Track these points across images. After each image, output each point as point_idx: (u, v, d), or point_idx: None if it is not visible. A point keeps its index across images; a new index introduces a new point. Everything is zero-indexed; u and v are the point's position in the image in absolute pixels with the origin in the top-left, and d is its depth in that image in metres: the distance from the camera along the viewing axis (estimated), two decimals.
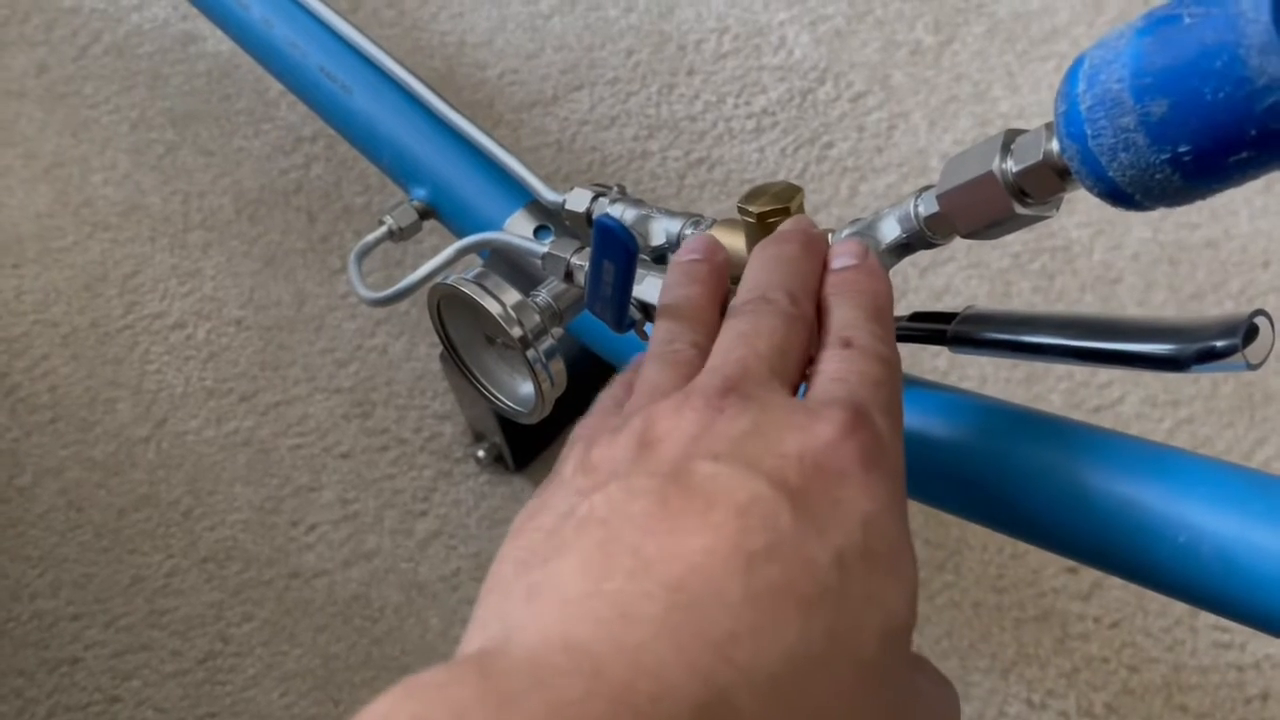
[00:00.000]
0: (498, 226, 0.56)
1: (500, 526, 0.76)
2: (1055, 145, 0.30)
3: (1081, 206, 0.86)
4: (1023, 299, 0.83)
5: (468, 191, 0.58)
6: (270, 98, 0.93)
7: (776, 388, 0.28)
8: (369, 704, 0.20)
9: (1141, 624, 0.71)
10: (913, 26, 0.96)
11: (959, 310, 0.37)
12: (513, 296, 0.43)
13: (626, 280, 0.35)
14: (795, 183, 0.39)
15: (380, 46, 0.60)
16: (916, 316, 0.38)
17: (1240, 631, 0.70)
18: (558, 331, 0.44)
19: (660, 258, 0.44)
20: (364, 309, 0.84)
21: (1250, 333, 0.29)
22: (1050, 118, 0.30)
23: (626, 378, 0.34)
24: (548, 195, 0.51)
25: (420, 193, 0.60)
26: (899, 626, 0.25)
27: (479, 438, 0.77)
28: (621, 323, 0.37)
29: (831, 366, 0.29)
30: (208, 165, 0.91)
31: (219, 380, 0.81)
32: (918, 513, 0.74)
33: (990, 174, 0.32)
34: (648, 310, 0.40)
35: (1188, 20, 0.25)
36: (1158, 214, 0.86)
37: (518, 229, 0.56)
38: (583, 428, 0.31)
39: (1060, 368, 0.79)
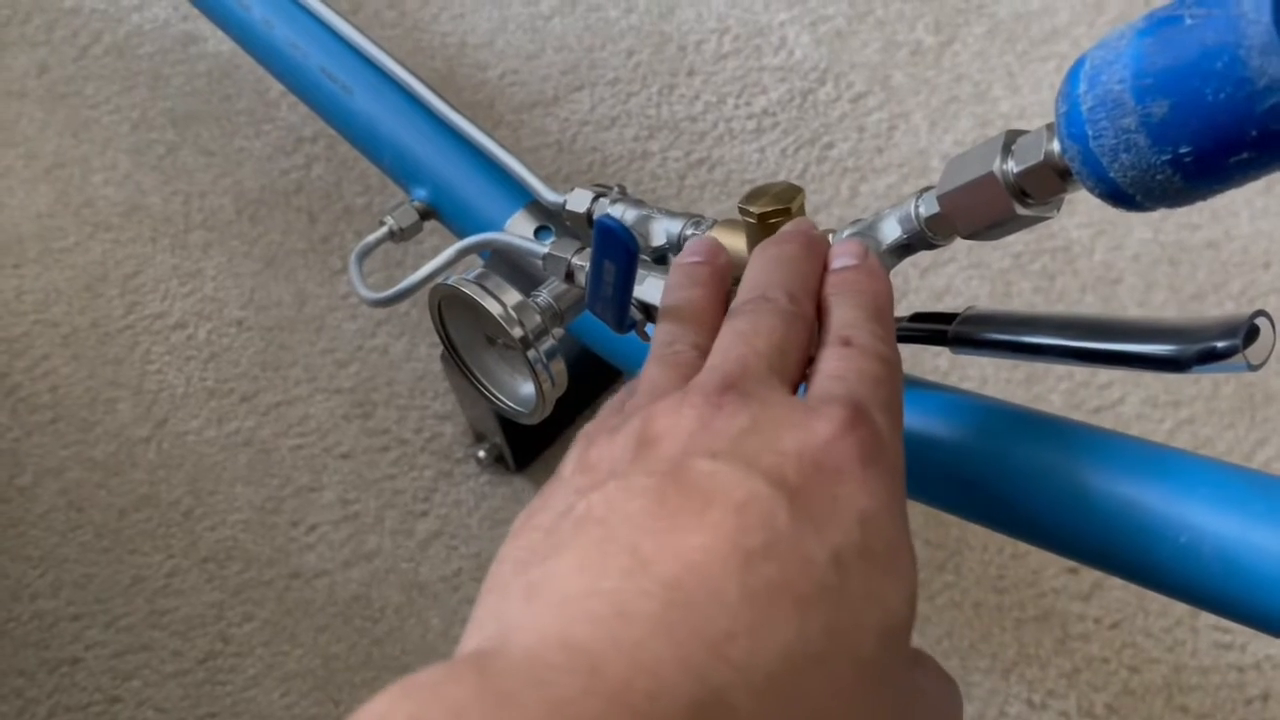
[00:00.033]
0: (498, 227, 0.56)
1: (501, 527, 0.76)
2: (1056, 146, 0.30)
3: (1082, 207, 0.86)
4: (1023, 299, 0.83)
5: (468, 192, 0.58)
6: (271, 98, 0.93)
7: (776, 385, 0.28)
8: (366, 703, 0.20)
9: (1142, 624, 0.71)
10: (913, 27, 0.96)
11: (960, 311, 0.37)
12: (513, 297, 0.43)
13: (627, 281, 0.35)
14: (796, 183, 0.39)
15: (381, 47, 0.60)
16: (917, 317, 0.38)
17: (1241, 632, 0.70)
18: (558, 332, 0.44)
19: (661, 258, 0.44)
20: (365, 309, 0.84)
21: (1251, 333, 0.29)
22: (1051, 118, 0.30)
23: (634, 383, 0.34)
24: (548, 196, 0.51)
25: (421, 193, 0.60)
26: (898, 624, 0.24)
27: (480, 438, 0.77)
28: (622, 323, 0.37)
29: (831, 365, 0.29)
30: (208, 165, 0.91)
31: (220, 380, 0.81)
32: (918, 513, 0.74)
33: (991, 175, 0.32)
34: (648, 311, 0.40)
35: (1189, 21, 0.25)
36: (1158, 215, 0.86)
37: (518, 229, 0.56)
38: (586, 430, 0.31)
39: (1061, 368, 0.79)
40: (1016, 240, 0.84)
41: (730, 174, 0.89)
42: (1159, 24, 0.26)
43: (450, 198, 0.59)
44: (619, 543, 0.23)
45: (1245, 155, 0.25)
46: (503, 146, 0.55)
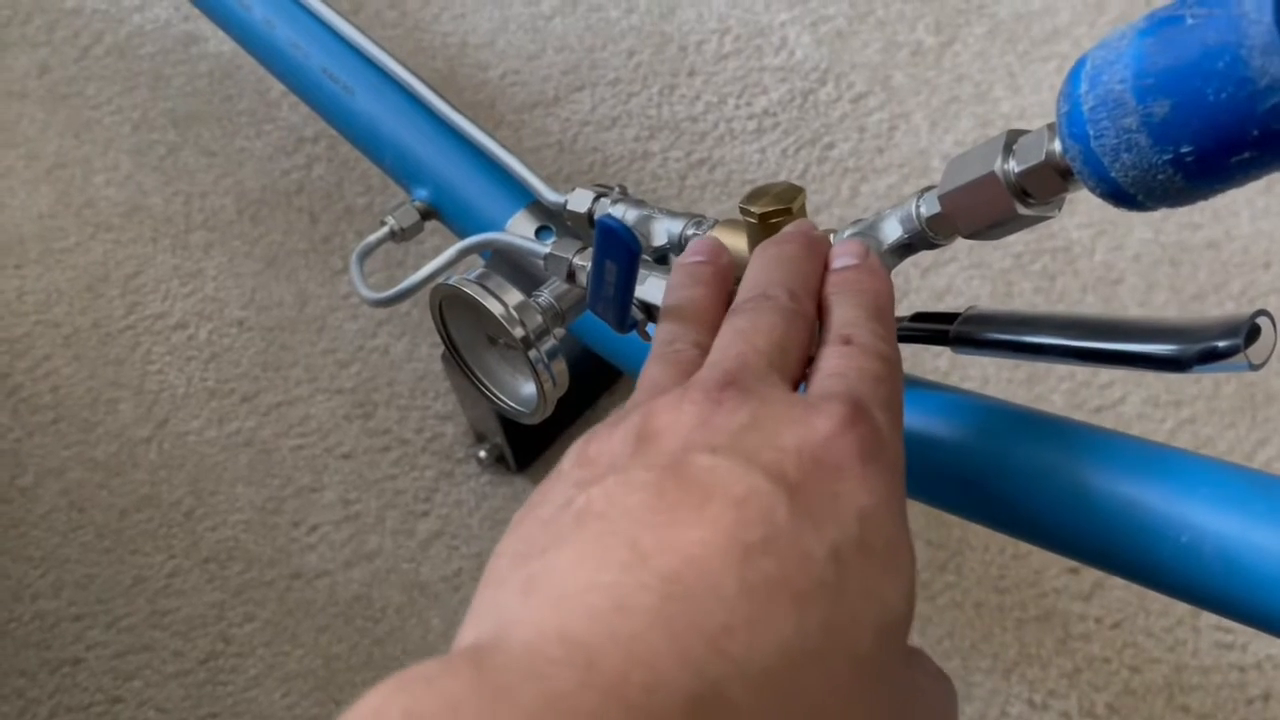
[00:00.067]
0: (499, 227, 0.56)
1: (502, 527, 0.76)
2: (1057, 146, 0.30)
3: (1083, 207, 0.86)
4: (1024, 299, 0.83)
5: (469, 192, 0.58)
6: (272, 98, 0.93)
7: (776, 382, 0.28)
8: (361, 697, 0.20)
9: (1143, 624, 0.71)
10: (914, 27, 0.96)
11: (961, 310, 0.37)
12: (515, 297, 0.43)
13: (629, 280, 0.35)
14: (797, 183, 0.39)
15: (382, 47, 0.60)
16: (918, 317, 0.38)
17: (1242, 632, 0.70)
18: (560, 332, 0.44)
19: (662, 258, 0.44)
20: (366, 309, 0.84)
21: (1252, 333, 0.29)
22: (1052, 118, 0.30)
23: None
24: (549, 196, 0.51)
25: (422, 193, 0.60)
26: (896, 621, 0.24)
27: (481, 438, 0.77)
28: (624, 323, 0.37)
29: (831, 363, 0.29)
30: (210, 166, 0.91)
31: (221, 381, 0.81)
32: (919, 513, 0.74)
33: (992, 174, 0.32)
34: (650, 311, 0.40)
35: (1190, 21, 0.25)
36: (1159, 215, 0.86)
37: (519, 230, 0.56)
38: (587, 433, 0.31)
39: (1062, 368, 0.79)
40: (1017, 240, 0.84)
41: (731, 174, 0.89)
42: (1160, 24, 0.26)
43: (451, 198, 0.59)
44: (618, 537, 0.23)
45: (1247, 155, 0.25)
46: (504, 147, 0.55)
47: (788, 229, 0.36)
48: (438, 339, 0.48)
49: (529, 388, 0.45)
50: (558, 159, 0.90)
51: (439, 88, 0.59)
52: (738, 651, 0.21)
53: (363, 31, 0.61)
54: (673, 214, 0.44)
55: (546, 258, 0.43)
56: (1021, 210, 0.32)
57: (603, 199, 0.47)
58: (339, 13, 0.62)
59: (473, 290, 0.43)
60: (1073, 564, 0.72)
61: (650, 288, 0.40)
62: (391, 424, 0.79)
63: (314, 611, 0.73)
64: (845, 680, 0.23)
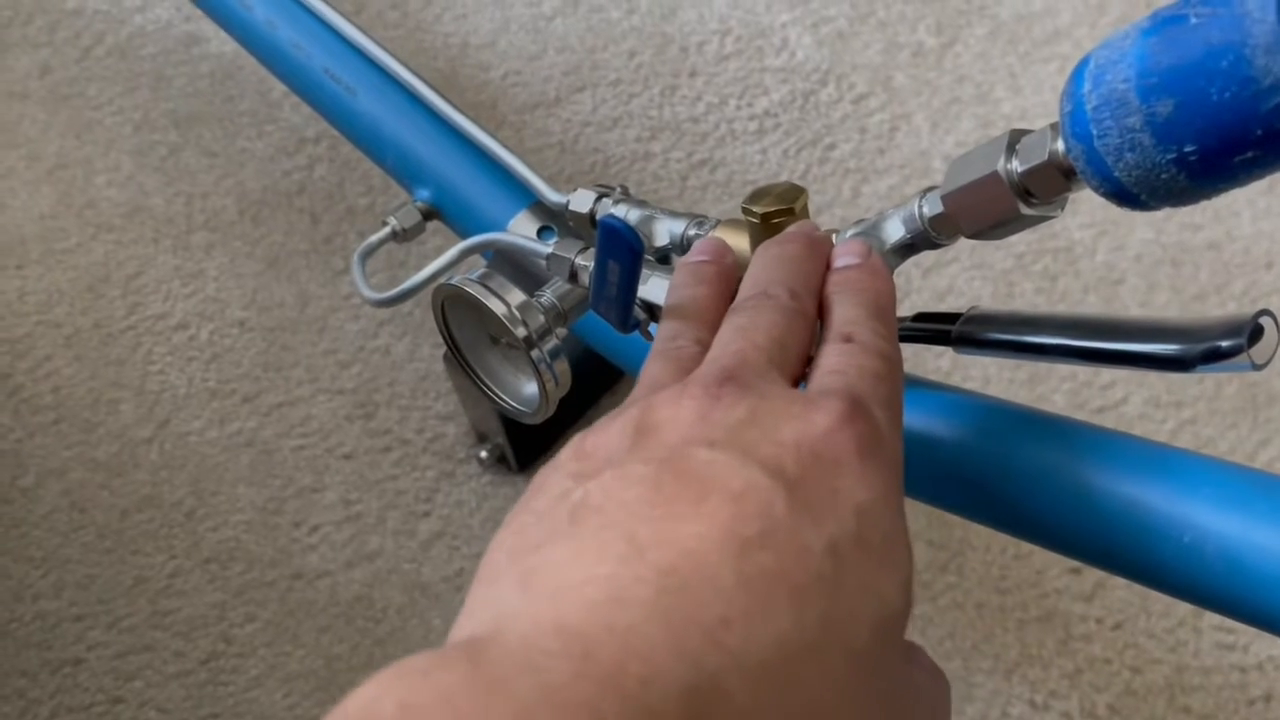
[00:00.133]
0: (501, 227, 0.56)
1: None
2: (1060, 145, 0.30)
3: (1085, 208, 0.86)
4: (1026, 300, 0.83)
5: (471, 192, 0.58)
6: (273, 99, 0.93)
7: (775, 379, 0.28)
8: (357, 688, 0.20)
9: (1144, 625, 0.71)
10: (915, 28, 0.96)
11: (963, 311, 0.37)
12: (517, 297, 0.43)
13: (631, 280, 0.35)
14: (798, 184, 0.39)
15: (384, 48, 0.60)
16: (920, 317, 0.38)
17: (1244, 632, 0.70)
18: (562, 332, 0.44)
19: (664, 258, 0.44)
20: (367, 310, 0.84)
21: (1255, 333, 0.29)
22: (1053, 119, 0.30)
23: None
24: (551, 196, 0.51)
25: (424, 194, 0.60)
26: (892, 616, 0.25)
27: (482, 438, 0.77)
28: (626, 323, 0.37)
29: (831, 360, 0.29)
30: (211, 166, 0.91)
31: (222, 381, 0.82)
32: (921, 513, 0.74)
33: (995, 174, 0.32)
34: (652, 310, 0.40)
35: (1194, 20, 0.25)
36: (1161, 215, 0.86)
37: (521, 230, 0.56)
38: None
39: (1063, 368, 0.79)
40: (1019, 241, 0.84)
41: (732, 175, 0.89)
42: (1164, 23, 0.26)
43: (453, 198, 0.59)
44: (615, 530, 0.23)
45: (1250, 154, 0.25)
46: (505, 147, 0.55)
47: (789, 229, 0.36)
48: (439, 339, 0.48)
49: (531, 388, 0.45)
50: (559, 159, 0.90)
51: (441, 88, 0.59)
52: (734, 644, 0.21)
53: (365, 32, 0.61)
54: (675, 214, 0.44)
55: (549, 258, 0.44)
56: (1024, 210, 0.32)
57: (604, 199, 0.47)
58: (341, 13, 0.62)
59: (475, 290, 0.43)
60: (1074, 564, 0.72)
61: (652, 287, 0.40)
62: (393, 424, 0.79)
63: (315, 612, 0.73)
64: (842, 674, 0.23)
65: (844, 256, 0.34)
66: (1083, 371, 0.79)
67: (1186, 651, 0.70)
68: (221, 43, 0.95)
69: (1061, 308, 0.83)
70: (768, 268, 0.34)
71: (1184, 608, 0.71)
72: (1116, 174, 0.28)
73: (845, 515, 0.25)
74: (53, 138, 0.92)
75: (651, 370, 0.31)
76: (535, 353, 0.43)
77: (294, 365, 0.82)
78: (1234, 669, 0.70)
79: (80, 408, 0.81)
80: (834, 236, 0.38)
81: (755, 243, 0.38)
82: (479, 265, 0.45)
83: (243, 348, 0.83)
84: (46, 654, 0.73)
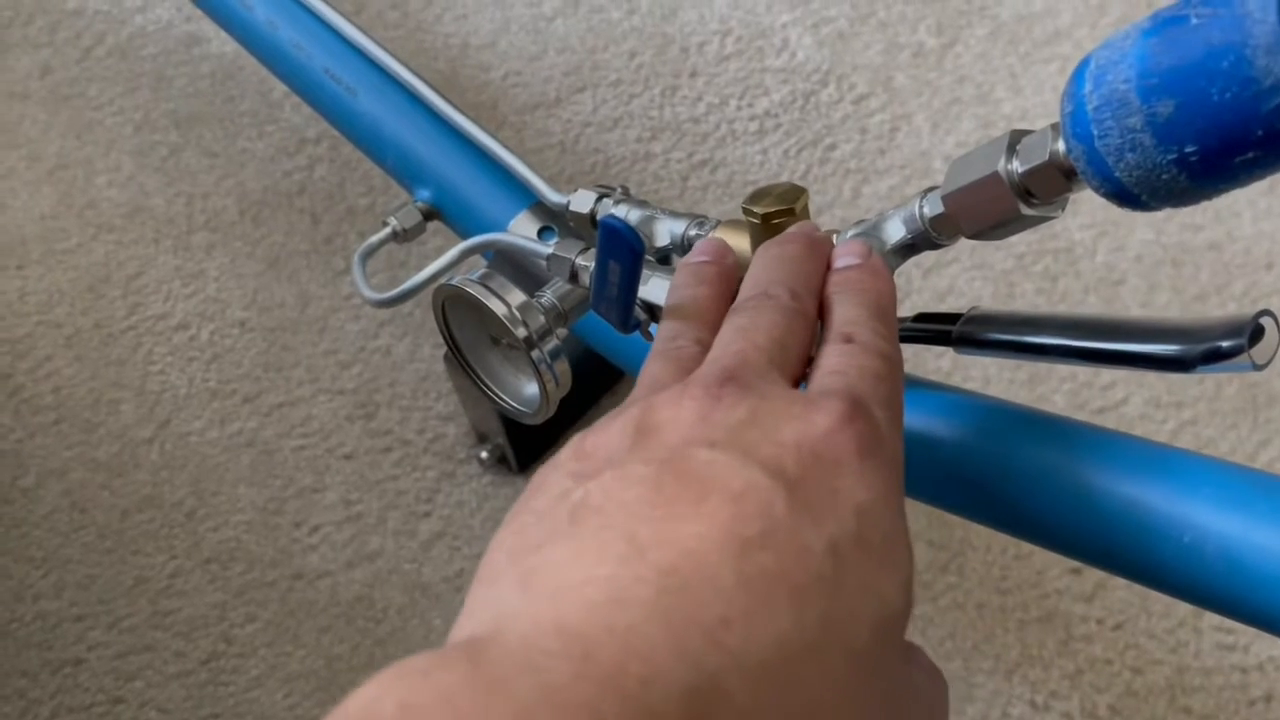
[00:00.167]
0: (502, 228, 0.57)
1: None
2: (1061, 146, 0.30)
3: (1085, 208, 0.86)
4: (1026, 300, 0.83)
5: (472, 193, 0.58)
6: (274, 99, 0.93)
7: (775, 379, 0.28)
8: (357, 688, 0.20)
9: (1145, 625, 0.71)
10: (915, 29, 0.96)
11: (963, 311, 0.37)
12: (517, 297, 0.43)
13: (632, 281, 0.35)
14: (799, 184, 0.39)
15: (385, 48, 0.60)
16: (921, 317, 0.38)
17: (1244, 633, 0.70)
18: (562, 332, 0.44)
19: (665, 259, 0.44)
20: (367, 310, 0.84)
21: (1256, 333, 0.29)
22: (1054, 119, 0.30)
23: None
24: (552, 197, 0.51)
25: (424, 194, 0.60)
26: (893, 616, 0.25)
27: (482, 439, 0.77)
28: (627, 323, 0.37)
29: (831, 361, 0.29)
30: (211, 167, 0.91)
31: (222, 381, 0.82)
32: (921, 514, 0.74)
33: (996, 174, 0.32)
34: (653, 311, 0.40)
35: (1195, 21, 0.25)
36: (1161, 216, 0.86)
37: (522, 230, 0.56)
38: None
39: (1063, 369, 0.79)
40: (1019, 241, 0.84)
41: (733, 175, 0.89)
42: (1164, 24, 0.26)
43: (454, 198, 0.59)
44: (615, 530, 0.23)
45: (1251, 154, 0.25)
46: (506, 147, 0.55)
47: (790, 230, 0.36)
48: (440, 339, 0.48)
49: (531, 388, 0.45)
50: (560, 160, 0.90)
51: (441, 89, 0.59)
52: (735, 644, 0.21)
53: (365, 32, 0.61)
54: (675, 214, 0.44)
55: (549, 258, 0.44)
56: (1025, 210, 0.32)
57: (605, 199, 0.47)
58: (341, 13, 0.62)
59: (476, 290, 0.43)
60: (1075, 565, 0.72)
61: (653, 288, 0.40)
62: (393, 425, 0.79)
63: (316, 612, 0.74)
64: (842, 674, 0.23)
65: (844, 257, 0.34)
66: (1083, 372, 0.79)
67: (1187, 652, 0.70)
68: (222, 43, 0.95)
69: (1062, 308, 0.83)
70: (768, 268, 0.34)
71: (1184, 608, 0.71)
72: (1117, 174, 0.28)
73: (845, 515, 0.25)
74: (53, 138, 0.92)
75: (652, 370, 0.31)
76: (536, 353, 0.43)
77: (295, 365, 0.82)
78: (1235, 669, 0.70)
79: (81, 408, 0.81)
80: (834, 237, 0.38)
81: (756, 243, 0.38)
82: (479, 266, 0.45)
83: (243, 348, 0.83)
84: (47, 654, 0.73)
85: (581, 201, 0.47)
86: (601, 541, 0.23)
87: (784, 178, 0.90)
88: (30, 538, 0.76)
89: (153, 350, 0.83)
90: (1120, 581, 0.71)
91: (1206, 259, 0.84)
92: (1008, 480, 0.36)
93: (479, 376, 0.47)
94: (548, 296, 0.44)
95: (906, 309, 0.81)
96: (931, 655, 0.29)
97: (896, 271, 0.36)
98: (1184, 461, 0.34)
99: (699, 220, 0.43)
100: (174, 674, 0.72)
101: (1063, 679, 0.70)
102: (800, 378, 0.30)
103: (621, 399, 0.79)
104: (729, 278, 0.35)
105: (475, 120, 0.57)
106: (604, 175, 0.90)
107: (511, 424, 0.72)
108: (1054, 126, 0.30)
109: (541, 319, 0.43)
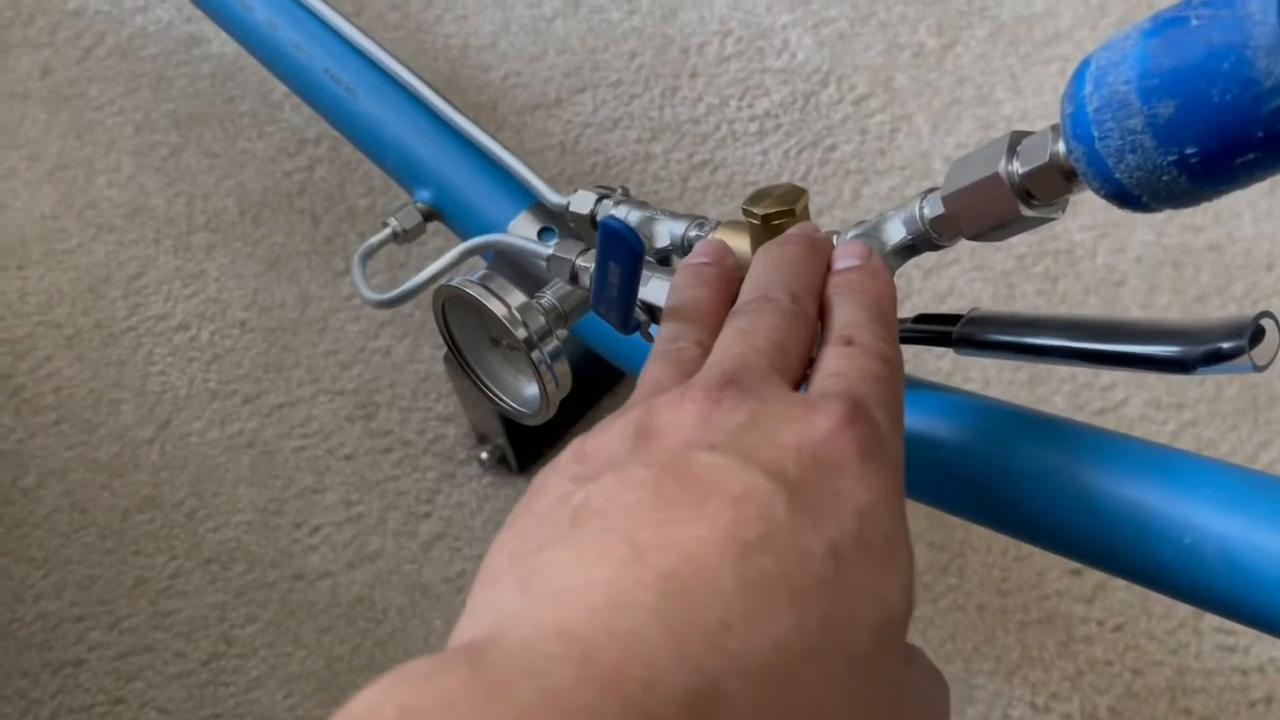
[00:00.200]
0: (502, 229, 0.56)
1: None
2: (1061, 147, 0.30)
3: (1085, 209, 0.86)
4: (1026, 301, 0.83)
5: (472, 194, 0.58)
6: (274, 100, 0.93)
7: (776, 382, 0.28)
8: (358, 693, 0.20)
9: (1145, 627, 0.71)
10: (916, 29, 0.96)
11: (963, 312, 0.37)
12: (517, 298, 0.43)
13: (632, 282, 0.35)
14: (799, 185, 0.39)
15: (385, 49, 0.60)
16: (921, 318, 0.38)
17: (1245, 634, 0.70)
18: (562, 333, 0.44)
19: (665, 260, 0.44)
20: (368, 311, 0.84)
21: (1257, 334, 0.29)
22: (1054, 120, 0.30)
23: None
24: (552, 197, 0.51)
25: (424, 195, 0.60)
26: (893, 618, 0.25)
27: (482, 439, 0.77)
28: (627, 324, 0.37)
29: (832, 363, 0.29)
30: (212, 167, 0.91)
31: (223, 382, 0.82)
32: (921, 515, 0.74)
33: (996, 176, 0.32)
34: (653, 312, 0.40)
35: (1195, 22, 0.25)
36: (1161, 217, 0.86)
37: (522, 231, 0.56)
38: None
39: (1063, 370, 0.79)
40: (1019, 242, 0.84)
41: (733, 176, 0.89)
42: (1165, 25, 0.26)
43: (454, 199, 0.59)
44: (616, 533, 0.23)
45: (1251, 156, 0.25)
46: (506, 148, 0.55)
47: (790, 231, 0.36)
48: (440, 340, 0.48)
49: (531, 389, 0.45)
50: (560, 161, 0.90)
51: (441, 89, 0.59)
52: (736, 648, 0.21)
53: (365, 33, 0.61)
54: (675, 215, 0.44)
55: (549, 259, 0.44)
56: (1025, 212, 0.32)
57: (605, 200, 0.47)
58: (341, 14, 0.62)
59: (475, 291, 0.43)
60: (1075, 566, 0.72)
61: (653, 289, 0.40)
62: (394, 425, 0.79)
63: (316, 613, 0.73)
64: (843, 677, 0.23)
65: (845, 258, 0.34)
66: (1083, 373, 0.79)
67: (1188, 653, 0.70)
68: (222, 43, 0.95)
69: (1062, 309, 0.83)
70: (768, 270, 0.34)
71: (1185, 609, 0.71)
72: (1118, 176, 0.28)
73: (846, 518, 0.25)
74: (54, 138, 0.92)
75: (652, 372, 0.31)
76: (536, 354, 0.43)
77: (295, 366, 0.82)
78: (1235, 671, 0.70)
79: (81, 408, 0.81)
80: (835, 238, 0.38)
81: (756, 244, 0.38)
82: (480, 266, 0.45)
83: (244, 348, 0.83)
84: (48, 654, 0.73)
85: (581, 202, 0.47)
86: (602, 545, 0.23)
87: (784, 179, 0.90)
88: (31, 538, 0.76)
89: (153, 351, 0.83)
90: (1120, 583, 0.71)
91: (1207, 260, 0.84)
92: (1008, 481, 0.36)
93: (479, 377, 0.47)
94: (548, 297, 0.44)
95: (907, 310, 0.81)
96: (932, 657, 0.29)
97: (897, 273, 0.36)
98: (1184, 463, 0.34)
99: (699, 221, 0.43)
100: (174, 674, 0.72)
101: (1063, 680, 0.70)
102: (800, 380, 0.30)
103: (622, 400, 0.79)
104: (729, 279, 0.35)
105: (475, 121, 0.57)
106: (604, 176, 0.90)
107: (512, 425, 0.72)
108: (1054, 128, 0.30)
109: (541, 320, 0.43)
